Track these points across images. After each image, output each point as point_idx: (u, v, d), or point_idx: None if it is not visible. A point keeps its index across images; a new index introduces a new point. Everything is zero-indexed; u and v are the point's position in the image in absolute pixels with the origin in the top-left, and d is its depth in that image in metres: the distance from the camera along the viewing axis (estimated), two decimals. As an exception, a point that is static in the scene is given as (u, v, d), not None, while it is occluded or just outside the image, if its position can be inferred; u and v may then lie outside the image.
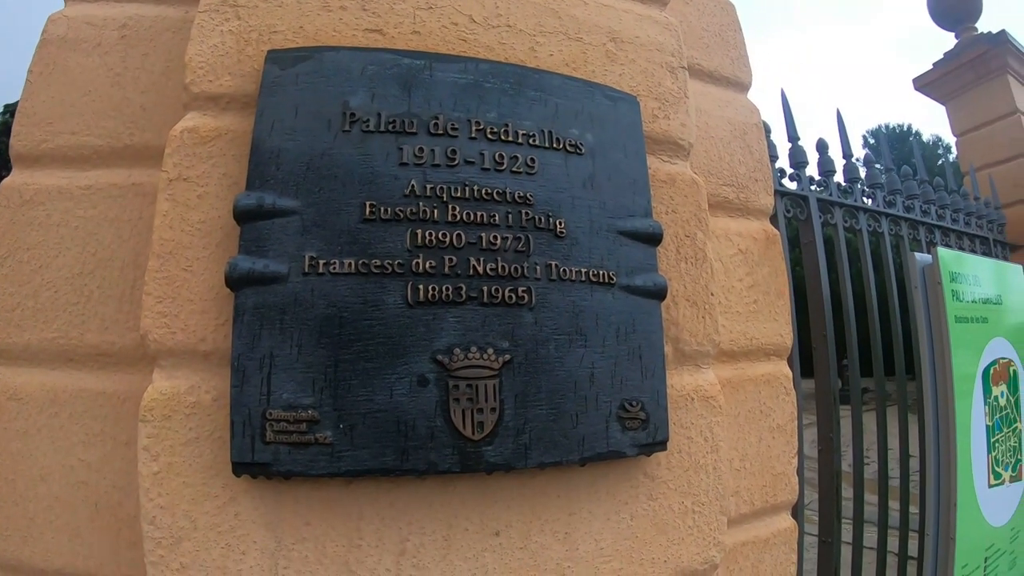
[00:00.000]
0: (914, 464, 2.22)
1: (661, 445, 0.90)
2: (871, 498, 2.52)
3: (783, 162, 2.06)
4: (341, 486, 0.82)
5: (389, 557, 0.83)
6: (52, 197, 1.04)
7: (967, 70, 3.40)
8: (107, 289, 1.02)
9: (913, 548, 2.20)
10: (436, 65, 0.89)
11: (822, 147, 2.24)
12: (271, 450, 0.75)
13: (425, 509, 0.84)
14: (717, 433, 1.01)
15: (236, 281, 0.78)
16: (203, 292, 0.85)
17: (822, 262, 1.97)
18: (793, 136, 2.12)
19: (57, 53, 1.09)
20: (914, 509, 2.23)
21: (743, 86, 1.45)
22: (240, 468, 0.77)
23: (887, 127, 26.62)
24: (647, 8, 1.14)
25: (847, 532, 2.09)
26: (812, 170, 2.14)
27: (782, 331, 1.33)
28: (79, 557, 0.99)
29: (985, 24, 3.48)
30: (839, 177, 2.24)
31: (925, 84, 3.58)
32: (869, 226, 2.24)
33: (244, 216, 0.80)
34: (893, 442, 2.30)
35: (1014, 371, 2.39)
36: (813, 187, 2.10)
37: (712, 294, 1.07)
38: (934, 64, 3.51)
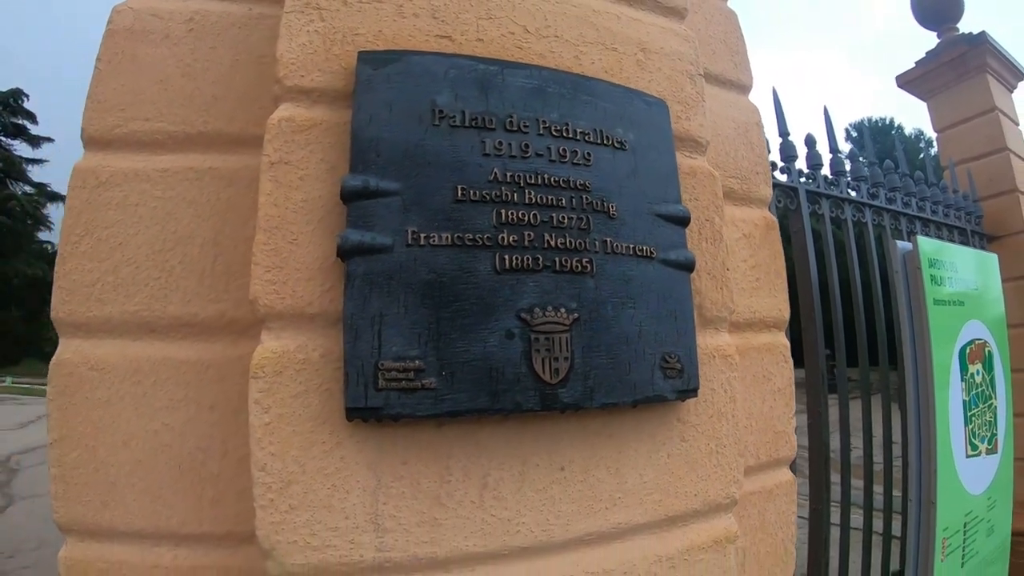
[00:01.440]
0: (897, 451, 2.69)
1: (693, 392, 1.23)
2: (857, 483, 2.98)
3: (774, 155, 2.48)
4: (433, 429, 1.08)
5: (474, 490, 1.10)
6: (128, 179, 1.27)
7: (948, 69, 3.95)
8: (188, 265, 1.26)
9: (896, 528, 2.66)
10: (507, 71, 1.19)
11: (810, 142, 2.68)
12: (383, 396, 1.01)
13: (503, 448, 1.13)
14: (735, 386, 1.36)
15: (347, 251, 1.05)
16: (308, 262, 1.10)
17: (810, 248, 2.40)
18: (784, 132, 2.54)
19: (125, 44, 1.32)
20: (897, 493, 2.70)
21: (745, 88, 1.82)
22: (354, 413, 1.01)
23: (870, 120, 28.98)
24: (669, 22, 1.48)
25: (835, 515, 2.52)
26: (801, 163, 2.57)
27: (780, 306, 1.71)
28: (161, 517, 1.19)
29: (967, 25, 4.08)
30: (826, 170, 2.69)
31: (908, 81, 4.14)
32: (854, 216, 2.70)
33: (351, 196, 1.07)
34: (877, 429, 2.77)
35: (988, 351, 2.91)
36: (802, 179, 2.54)
37: (728, 269, 1.42)
38: (916, 62, 4.06)
